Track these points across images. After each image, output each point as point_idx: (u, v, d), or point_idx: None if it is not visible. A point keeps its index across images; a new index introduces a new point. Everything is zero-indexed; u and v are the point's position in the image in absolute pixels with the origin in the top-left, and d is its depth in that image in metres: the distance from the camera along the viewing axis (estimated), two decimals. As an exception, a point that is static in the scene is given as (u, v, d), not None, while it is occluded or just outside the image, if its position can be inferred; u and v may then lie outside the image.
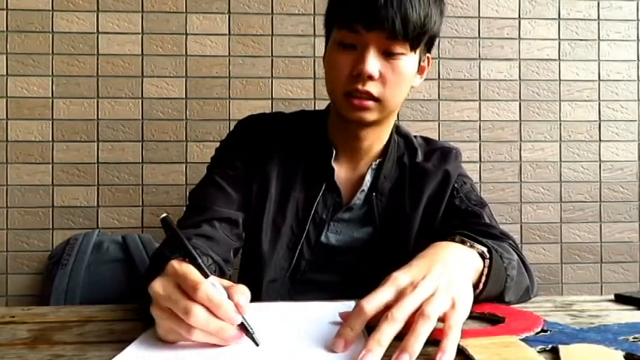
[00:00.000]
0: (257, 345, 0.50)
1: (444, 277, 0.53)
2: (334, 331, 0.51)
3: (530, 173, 1.57)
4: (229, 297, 0.50)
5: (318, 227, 0.87)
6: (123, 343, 0.52)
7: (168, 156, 1.49)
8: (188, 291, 0.49)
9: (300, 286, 0.88)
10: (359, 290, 0.85)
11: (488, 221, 0.84)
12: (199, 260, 0.51)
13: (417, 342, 0.46)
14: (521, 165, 1.57)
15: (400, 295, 0.50)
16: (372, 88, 0.76)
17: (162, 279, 0.51)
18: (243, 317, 0.50)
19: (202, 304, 0.48)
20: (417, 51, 0.79)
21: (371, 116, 0.79)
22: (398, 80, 0.77)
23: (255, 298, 0.84)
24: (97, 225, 1.46)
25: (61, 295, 1.25)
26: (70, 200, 1.46)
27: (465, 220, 0.85)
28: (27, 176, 1.45)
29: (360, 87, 0.76)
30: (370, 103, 0.77)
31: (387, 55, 0.76)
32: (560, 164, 1.58)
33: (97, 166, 1.47)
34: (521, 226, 1.56)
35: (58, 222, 1.46)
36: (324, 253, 0.87)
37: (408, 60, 0.78)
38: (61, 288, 1.26)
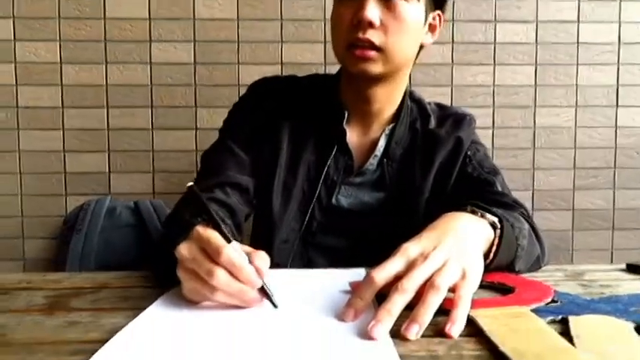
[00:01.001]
0: (276, 307, 0.52)
1: (454, 247, 0.53)
2: (344, 300, 0.52)
3: (544, 139, 1.54)
4: (250, 262, 0.52)
5: (329, 189, 0.87)
6: (137, 310, 0.53)
7: (178, 122, 1.48)
8: (212, 254, 0.51)
9: (311, 248, 0.88)
10: (369, 255, 0.86)
11: (501, 189, 0.84)
12: (222, 226, 0.53)
13: (426, 313, 0.46)
14: (535, 131, 1.54)
15: (410, 266, 0.50)
16: (373, 36, 0.75)
17: (187, 243, 0.53)
18: (263, 281, 0.52)
19: (225, 267, 0.50)
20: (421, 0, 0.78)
21: (375, 68, 0.78)
22: (400, 28, 0.76)
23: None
24: (109, 191, 1.48)
25: (76, 259, 1.27)
26: (82, 166, 1.47)
27: (477, 188, 0.84)
28: (38, 142, 1.46)
29: (360, 35, 0.75)
30: (372, 53, 0.76)
31: (388, 1, 0.75)
32: (575, 130, 1.55)
33: (108, 132, 1.47)
34: (533, 193, 1.55)
35: (71, 188, 1.47)
36: (335, 215, 0.88)
37: (410, 7, 0.77)
38: (76, 252, 1.28)
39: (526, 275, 0.67)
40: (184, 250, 0.53)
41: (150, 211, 1.37)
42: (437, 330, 0.47)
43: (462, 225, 0.58)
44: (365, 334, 0.45)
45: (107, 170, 1.48)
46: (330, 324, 0.49)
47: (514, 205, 0.79)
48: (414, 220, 0.85)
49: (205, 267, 0.50)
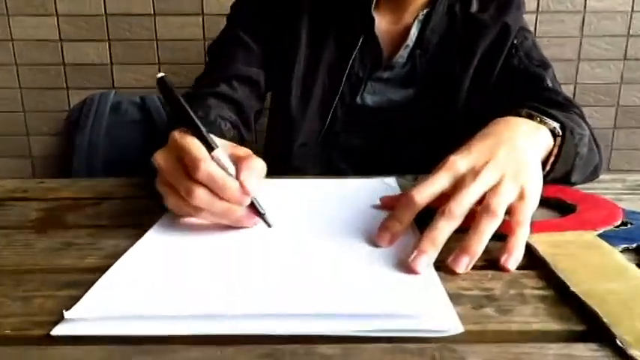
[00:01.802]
0: (269, 226, 0.46)
1: (510, 161, 0.43)
2: (375, 218, 0.45)
3: (594, 25, 1.37)
4: (239, 172, 0.43)
5: (353, 87, 0.77)
6: (138, 229, 0.47)
7: (181, 6, 1.33)
8: (189, 169, 0.42)
9: (333, 151, 0.81)
10: (396, 156, 0.78)
11: (551, 85, 0.73)
12: (203, 130, 0.43)
13: (479, 242, 0.38)
14: (584, 16, 1.36)
15: (459, 184, 0.42)
16: None
17: (164, 151, 0.45)
18: (253, 197, 0.44)
19: (205, 185, 0.42)
20: None
21: None
22: None
23: (286, 163, 0.79)
24: (112, 84, 1.37)
25: (83, 157, 1.21)
26: (82, 57, 1.36)
27: (525, 83, 0.73)
28: (32, 30, 1.33)
29: None
30: None
31: None
32: (632, 14, 1.36)
33: (106, 18, 1.33)
34: (575, 86, 1.41)
35: (72, 81, 1.38)
36: (359, 114, 0.79)
37: None
38: (82, 150, 1.22)
39: (583, 188, 0.59)
40: (161, 159, 0.44)
41: (157, 107, 1.28)
42: (489, 261, 0.39)
43: (518, 134, 0.48)
44: (405, 266, 0.38)
45: (109, 62, 1.36)
46: (362, 249, 0.42)
47: (568, 105, 0.68)
48: (450, 116, 0.76)
49: (184, 185, 0.42)
